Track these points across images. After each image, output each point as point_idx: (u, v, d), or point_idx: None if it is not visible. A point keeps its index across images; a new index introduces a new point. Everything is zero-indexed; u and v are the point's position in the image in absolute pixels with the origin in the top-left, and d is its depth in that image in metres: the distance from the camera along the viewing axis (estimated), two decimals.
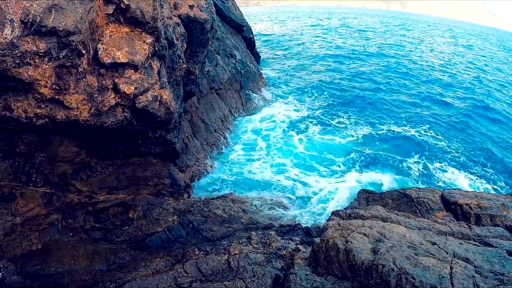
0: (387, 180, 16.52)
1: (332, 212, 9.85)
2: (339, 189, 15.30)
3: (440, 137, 22.08)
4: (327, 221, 8.63)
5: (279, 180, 15.75)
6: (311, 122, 22.72)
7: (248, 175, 16.03)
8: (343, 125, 22.70)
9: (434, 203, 9.94)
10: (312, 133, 21.12)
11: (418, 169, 18.15)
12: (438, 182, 17.11)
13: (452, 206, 9.48)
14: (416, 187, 11.83)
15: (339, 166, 17.66)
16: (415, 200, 10.23)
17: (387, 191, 11.85)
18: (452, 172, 18.07)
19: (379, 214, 8.52)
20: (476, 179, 17.75)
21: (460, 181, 17.37)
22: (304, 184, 15.67)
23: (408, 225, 7.80)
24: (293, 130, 21.17)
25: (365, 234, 6.96)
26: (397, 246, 6.45)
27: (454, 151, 20.49)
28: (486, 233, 7.62)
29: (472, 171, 18.49)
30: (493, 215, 8.60)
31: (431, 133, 22.54)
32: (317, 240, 7.38)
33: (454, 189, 11.94)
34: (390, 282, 5.61)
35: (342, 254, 6.56)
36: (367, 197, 11.64)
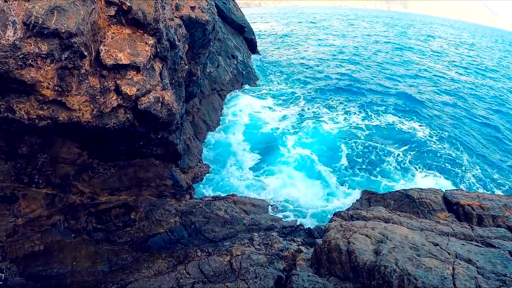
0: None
1: (334, 213, 9.86)
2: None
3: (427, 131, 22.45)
4: (329, 222, 8.63)
5: None
6: (302, 116, 23.83)
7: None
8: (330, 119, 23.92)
9: (436, 204, 9.92)
10: (306, 124, 22.32)
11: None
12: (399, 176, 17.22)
13: (454, 207, 9.46)
14: (418, 188, 11.81)
15: None
16: (417, 201, 10.21)
17: (389, 191, 11.83)
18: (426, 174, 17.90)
19: (381, 215, 8.52)
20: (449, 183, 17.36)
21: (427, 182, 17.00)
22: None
23: (410, 226, 7.79)
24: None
25: (367, 235, 6.95)
26: (399, 247, 6.44)
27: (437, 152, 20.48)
28: (488, 234, 7.60)
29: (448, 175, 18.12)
30: (495, 216, 8.58)
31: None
32: (319, 241, 7.38)
33: (457, 189, 11.92)
34: (392, 283, 5.60)
35: (345, 255, 6.55)
36: (369, 198, 11.63)
